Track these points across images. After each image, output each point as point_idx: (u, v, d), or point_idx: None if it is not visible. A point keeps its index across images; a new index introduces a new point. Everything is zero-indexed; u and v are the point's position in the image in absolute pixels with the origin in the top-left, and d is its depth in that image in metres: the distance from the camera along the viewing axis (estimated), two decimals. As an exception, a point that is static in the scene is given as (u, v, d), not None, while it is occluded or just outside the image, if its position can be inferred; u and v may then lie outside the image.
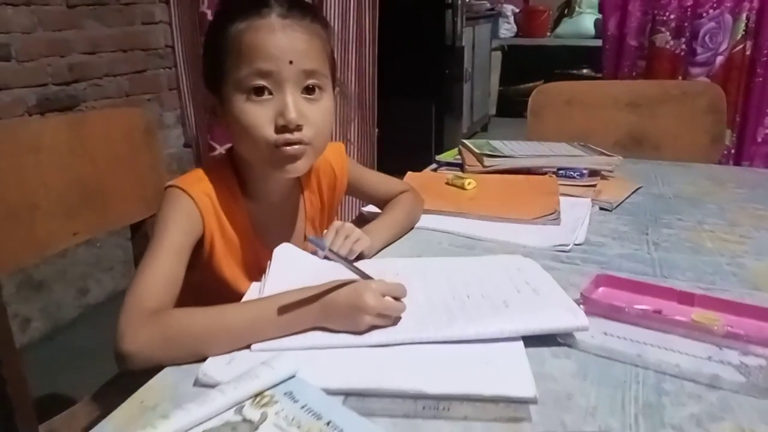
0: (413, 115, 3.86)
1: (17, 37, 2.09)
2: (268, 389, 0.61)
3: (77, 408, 1.11)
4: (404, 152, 2.89)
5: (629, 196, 1.32)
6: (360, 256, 0.93)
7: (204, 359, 0.68)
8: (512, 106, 5.41)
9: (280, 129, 0.83)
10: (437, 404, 0.62)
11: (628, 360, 0.70)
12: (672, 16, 2.30)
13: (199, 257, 0.88)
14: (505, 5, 5.70)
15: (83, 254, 2.37)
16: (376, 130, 2.42)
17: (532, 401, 0.62)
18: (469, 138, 4.86)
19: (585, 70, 5.06)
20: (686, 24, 2.28)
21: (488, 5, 5.34)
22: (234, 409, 0.58)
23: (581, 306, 0.78)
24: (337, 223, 0.93)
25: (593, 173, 1.38)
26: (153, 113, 2.65)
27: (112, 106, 2.45)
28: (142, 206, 1.23)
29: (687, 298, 0.83)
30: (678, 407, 0.62)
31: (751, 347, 0.71)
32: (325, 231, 0.95)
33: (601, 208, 1.24)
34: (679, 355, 0.71)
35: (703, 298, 0.82)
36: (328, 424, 0.56)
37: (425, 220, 1.14)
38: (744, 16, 2.21)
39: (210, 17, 2.37)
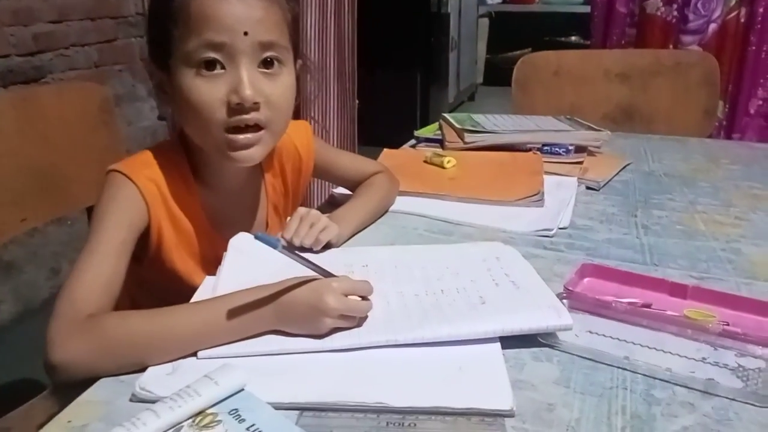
0: (397, 86, 3.78)
1: (-25, 6, 1.98)
2: (210, 407, 0.54)
3: (35, 402, 1.04)
4: (388, 124, 2.82)
5: (618, 173, 1.25)
6: (327, 246, 0.86)
7: (144, 369, 0.61)
8: (500, 75, 5.27)
9: (234, 109, 0.75)
10: (402, 420, 0.56)
11: (615, 363, 0.65)
12: (663, -19, 2.21)
13: (146, 250, 0.80)
14: (492, -30, 5.58)
15: (55, 233, 2.28)
16: (356, 102, 2.33)
17: (509, 414, 0.56)
18: (456, 108, 4.81)
19: (574, 38, 4.97)
20: (678, -11, 2.20)
21: (475, -30, 5.21)
22: (170, 432, 0.52)
23: (564, 300, 0.72)
24: (301, 210, 0.86)
25: (580, 149, 1.31)
26: (123, 85, 2.54)
27: (80, 77, 2.34)
28: (99, 188, 1.15)
29: (679, 290, 0.77)
30: (669, 419, 0.57)
31: (749, 347, 0.66)
32: (288, 218, 0.87)
33: (588, 188, 1.18)
34: (671, 357, 0.66)
35: (697, 290, 0.77)
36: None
37: (400, 203, 1.07)
38: (738, -19, 2.13)
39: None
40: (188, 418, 0.53)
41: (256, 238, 0.60)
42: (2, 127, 1.02)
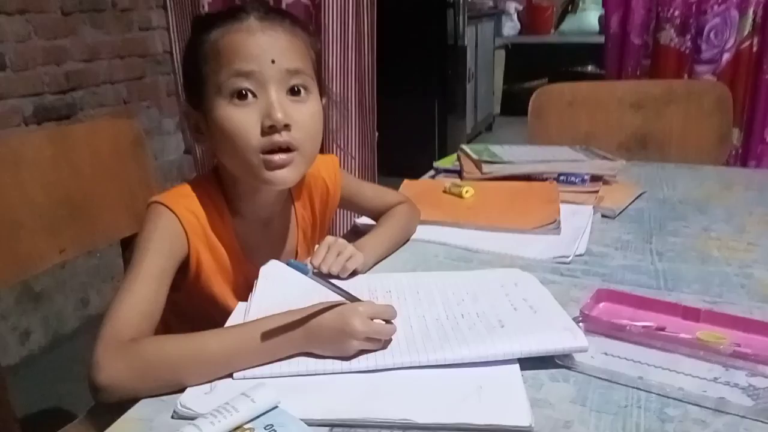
0: (416, 116, 3.83)
1: (11, 46, 2.07)
2: (247, 423, 0.58)
3: (69, 428, 1.08)
4: (407, 154, 2.86)
5: (633, 201, 1.28)
6: (353, 273, 0.90)
7: (183, 389, 0.65)
8: (517, 105, 5.31)
9: (267, 131, 0.79)
10: (426, 436, 0.59)
11: (629, 383, 0.67)
12: (676, 12, 2.24)
13: (185, 278, 0.85)
14: (508, 2, 5.65)
15: (83, 264, 2.34)
16: (377, 134, 2.37)
17: (528, 431, 0.59)
18: (473, 138, 4.86)
19: (590, 68, 5.00)
20: (691, 20, 2.23)
21: (491, 3, 5.30)
22: (210, 446, 0.55)
23: (581, 324, 0.75)
24: (329, 239, 0.90)
25: (595, 178, 1.34)
26: (150, 120, 2.62)
27: (110, 113, 2.43)
28: (131, 220, 1.20)
29: (692, 314, 0.79)
30: (682, 435, 0.59)
31: (760, 367, 0.68)
32: (316, 247, 0.92)
33: (604, 216, 1.20)
34: (684, 377, 0.68)
35: (709, 313, 0.79)
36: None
37: (421, 232, 1.10)
38: (751, 11, 2.16)
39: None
40: (227, 433, 0.57)
41: (289, 264, 0.64)
42: (40, 161, 1.07)
